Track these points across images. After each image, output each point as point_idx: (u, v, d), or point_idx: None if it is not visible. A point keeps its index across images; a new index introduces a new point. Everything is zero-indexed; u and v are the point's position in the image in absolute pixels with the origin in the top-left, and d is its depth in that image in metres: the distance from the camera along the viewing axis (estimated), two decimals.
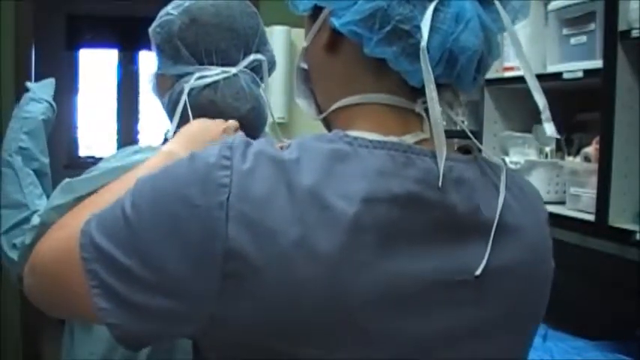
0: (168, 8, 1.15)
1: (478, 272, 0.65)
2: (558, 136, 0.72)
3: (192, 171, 0.63)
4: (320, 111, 0.77)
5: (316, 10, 0.71)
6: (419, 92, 0.68)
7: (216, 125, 1.05)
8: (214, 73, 1.11)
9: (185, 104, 1.10)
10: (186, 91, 1.10)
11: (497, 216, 0.67)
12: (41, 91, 1.33)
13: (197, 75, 1.11)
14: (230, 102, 1.10)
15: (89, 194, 1.07)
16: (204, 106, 1.10)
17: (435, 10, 0.64)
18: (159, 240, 0.62)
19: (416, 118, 0.69)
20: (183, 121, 1.10)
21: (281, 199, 0.60)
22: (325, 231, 0.60)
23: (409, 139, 0.67)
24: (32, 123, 1.28)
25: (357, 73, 0.70)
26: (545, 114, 0.70)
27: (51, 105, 1.33)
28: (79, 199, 1.08)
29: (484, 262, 0.65)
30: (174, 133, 1.09)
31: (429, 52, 0.63)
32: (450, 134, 0.67)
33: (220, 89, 1.10)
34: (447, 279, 0.65)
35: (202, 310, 0.61)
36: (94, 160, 6.21)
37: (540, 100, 0.69)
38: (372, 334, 0.62)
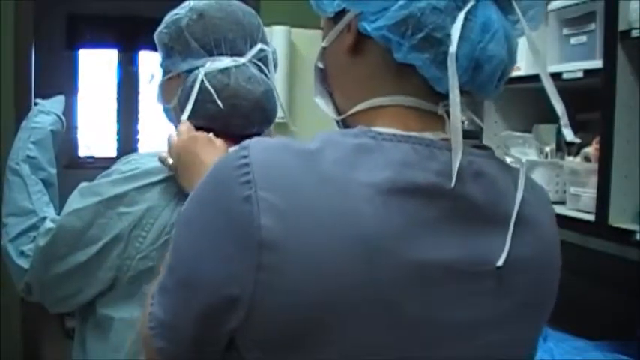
0: (173, 11, 1.19)
1: (500, 262, 0.67)
2: (579, 141, 0.74)
3: (214, 183, 0.66)
4: (339, 111, 0.78)
5: (339, 13, 0.73)
6: (440, 95, 0.69)
7: (196, 141, 1.07)
8: (225, 62, 1.14)
9: (200, 90, 1.12)
10: (201, 74, 1.12)
11: (516, 208, 0.69)
12: (50, 106, 1.34)
13: (209, 63, 1.13)
14: (243, 85, 1.13)
15: (113, 198, 1.08)
16: (219, 90, 1.12)
17: (464, 19, 0.66)
18: (197, 255, 0.66)
19: (436, 119, 0.71)
20: (198, 106, 1.12)
21: (308, 187, 0.62)
22: (352, 218, 0.61)
23: (429, 135, 0.69)
24: (40, 133, 1.28)
25: (380, 75, 0.72)
26: (564, 120, 0.71)
27: (60, 119, 1.33)
28: (101, 203, 1.08)
29: (505, 252, 0.67)
30: (188, 119, 1.12)
31: (457, 61, 0.65)
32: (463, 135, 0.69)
33: (233, 74, 1.14)
34: (469, 268, 0.67)
35: (242, 304, 0.62)
36: (93, 160, 6.17)
37: (558, 106, 0.71)
38: (400, 318, 0.64)
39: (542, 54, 0.72)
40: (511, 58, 0.71)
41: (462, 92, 0.68)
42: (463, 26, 0.66)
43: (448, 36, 0.66)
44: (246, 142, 0.66)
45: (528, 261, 0.71)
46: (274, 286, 0.61)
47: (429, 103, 0.71)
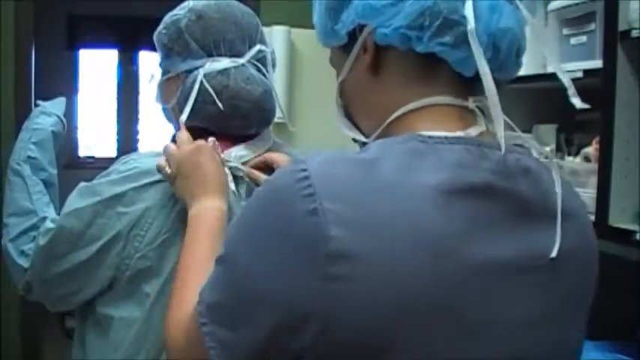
0: (172, 12, 1.19)
1: (554, 254, 0.68)
2: (588, 106, 0.76)
3: (275, 199, 0.66)
4: (364, 133, 0.79)
5: (351, 41, 0.75)
6: (469, 90, 0.72)
7: (197, 148, 1.06)
8: (224, 63, 1.14)
9: (199, 90, 1.12)
10: (200, 75, 1.13)
11: (559, 200, 0.70)
12: (52, 107, 1.34)
13: (209, 64, 1.14)
14: (243, 86, 1.14)
15: (111, 198, 1.08)
16: (219, 91, 1.12)
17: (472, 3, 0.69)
18: (263, 272, 0.65)
19: (469, 114, 0.73)
20: (198, 107, 1.12)
21: (371, 195, 0.63)
22: (417, 220, 0.62)
23: (472, 132, 0.71)
24: (41, 134, 1.28)
25: (405, 82, 0.73)
26: (572, 90, 0.75)
27: (61, 120, 1.34)
28: (100, 203, 1.09)
29: (557, 242, 0.68)
30: (186, 121, 1.12)
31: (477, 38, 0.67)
32: None
33: (232, 75, 1.14)
34: (526, 264, 0.68)
35: (315, 319, 0.61)
36: (93, 160, 6.17)
37: (564, 76, 0.75)
38: (462, 321, 0.64)
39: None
40: (523, 35, 0.74)
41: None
42: (473, 9, 0.68)
43: (463, 17, 0.68)
44: (301, 157, 0.66)
45: (576, 251, 0.73)
46: (348, 297, 0.60)
47: (459, 99, 0.72)
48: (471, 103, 0.72)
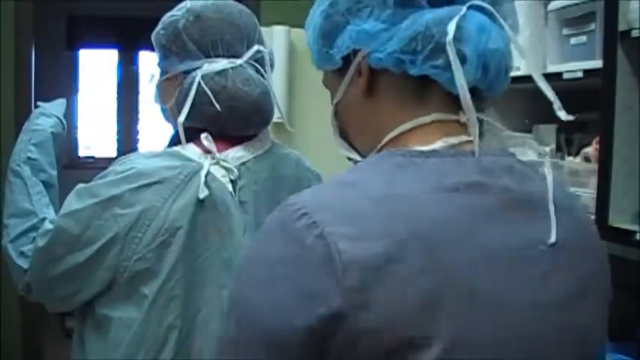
0: (170, 12, 1.19)
1: (552, 239, 0.71)
2: (572, 118, 0.77)
3: (280, 237, 0.67)
4: (363, 152, 0.82)
5: (345, 64, 0.78)
6: (460, 104, 0.73)
7: None
8: (222, 64, 1.15)
9: (197, 92, 1.12)
10: (198, 77, 1.13)
11: (550, 190, 0.73)
12: (51, 109, 1.34)
13: (207, 65, 1.14)
14: (241, 87, 1.14)
15: (108, 199, 1.08)
16: (217, 92, 1.12)
17: (459, 26, 0.72)
18: (280, 308, 0.65)
19: (462, 127, 0.76)
20: (195, 108, 1.12)
21: (365, 210, 0.65)
22: (411, 220, 0.65)
23: (452, 140, 0.74)
24: (41, 135, 1.29)
25: (400, 104, 0.76)
26: (557, 103, 0.76)
27: (61, 121, 1.34)
28: (97, 204, 1.09)
29: (553, 228, 0.71)
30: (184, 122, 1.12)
31: (466, 61, 0.71)
32: None
33: (230, 76, 1.14)
34: (527, 251, 0.70)
35: (335, 333, 0.62)
36: (93, 160, 6.16)
37: (548, 92, 0.76)
38: (475, 303, 0.65)
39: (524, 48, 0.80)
40: (510, 53, 0.76)
41: (474, 94, 0.73)
42: (463, 31, 0.71)
43: (454, 39, 0.71)
44: (288, 199, 0.68)
45: (574, 239, 0.75)
46: (367, 303, 0.62)
47: (450, 114, 0.75)
48: (462, 117, 0.75)
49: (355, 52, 0.76)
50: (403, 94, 0.76)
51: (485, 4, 0.74)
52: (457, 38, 0.71)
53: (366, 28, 0.75)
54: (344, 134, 0.84)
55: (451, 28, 0.71)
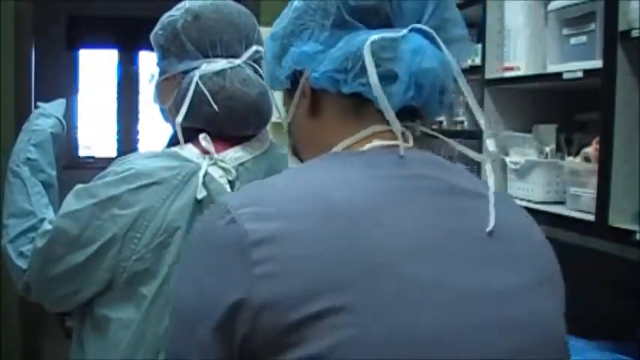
0: (168, 12, 1.19)
1: (490, 227, 0.72)
2: (495, 150, 0.81)
3: (202, 234, 0.72)
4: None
5: (293, 86, 0.83)
6: (400, 117, 0.76)
7: None
8: (220, 64, 1.15)
9: (195, 92, 1.12)
10: (196, 77, 1.13)
11: (491, 182, 0.76)
12: (51, 109, 1.34)
13: (205, 65, 1.14)
14: (239, 87, 1.15)
15: (107, 200, 1.08)
16: (215, 92, 1.13)
17: (395, 46, 0.75)
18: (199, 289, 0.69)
19: (395, 136, 0.78)
20: (194, 108, 1.12)
21: (277, 190, 0.70)
22: (323, 197, 0.68)
23: (382, 143, 0.77)
24: (40, 135, 1.29)
25: (342, 120, 0.80)
26: (487, 132, 0.80)
27: (60, 122, 1.34)
28: (96, 205, 1.09)
29: (492, 216, 0.73)
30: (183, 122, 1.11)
31: (397, 80, 0.75)
32: (451, 135, 0.72)
33: (229, 76, 1.14)
34: (466, 236, 0.71)
35: (247, 307, 0.64)
36: (93, 160, 6.15)
37: (480, 118, 0.82)
38: (411, 282, 0.66)
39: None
40: (447, 74, 0.78)
41: (417, 113, 0.80)
42: (398, 52, 0.75)
43: (383, 60, 0.75)
44: (219, 202, 0.72)
45: (514, 228, 0.77)
46: (274, 277, 0.64)
47: (387, 125, 0.77)
48: (395, 128, 0.76)
49: (301, 73, 0.81)
50: (343, 111, 0.80)
51: (426, 28, 0.77)
52: (390, 58, 0.75)
53: (306, 49, 0.79)
54: (296, 151, 0.88)
55: (367, 47, 0.74)
